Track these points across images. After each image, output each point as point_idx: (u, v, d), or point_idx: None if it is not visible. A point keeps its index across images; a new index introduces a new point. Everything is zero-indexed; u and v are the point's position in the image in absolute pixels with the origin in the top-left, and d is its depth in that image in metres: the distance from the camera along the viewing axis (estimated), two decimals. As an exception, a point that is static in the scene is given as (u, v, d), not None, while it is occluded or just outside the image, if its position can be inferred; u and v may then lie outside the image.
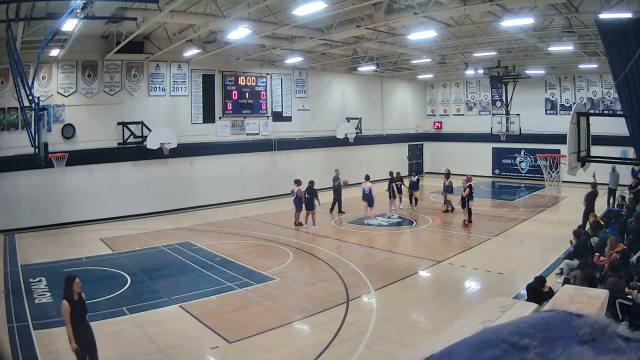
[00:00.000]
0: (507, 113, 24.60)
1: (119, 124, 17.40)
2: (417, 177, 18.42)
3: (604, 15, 10.65)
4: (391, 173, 17.55)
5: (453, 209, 16.88)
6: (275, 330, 7.55)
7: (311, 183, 15.56)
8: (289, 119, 22.73)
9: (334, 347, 6.90)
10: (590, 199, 13.48)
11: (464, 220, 15.09)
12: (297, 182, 15.36)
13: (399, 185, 17.22)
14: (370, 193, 15.79)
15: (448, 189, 17.15)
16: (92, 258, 12.04)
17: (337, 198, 17.58)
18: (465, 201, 14.95)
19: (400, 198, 17.36)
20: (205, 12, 12.96)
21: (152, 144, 17.48)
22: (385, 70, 24.72)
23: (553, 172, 20.75)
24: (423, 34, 14.80)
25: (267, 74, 21.69)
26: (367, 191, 15.81)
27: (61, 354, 6.84)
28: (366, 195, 15.85)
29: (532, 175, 25.11)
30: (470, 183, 15.23)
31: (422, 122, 30.16)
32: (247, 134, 21.13)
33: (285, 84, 22.57)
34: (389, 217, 16.45)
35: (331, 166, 19.39)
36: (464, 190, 14.92)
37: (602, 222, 11.54)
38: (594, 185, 14.09)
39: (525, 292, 7.73)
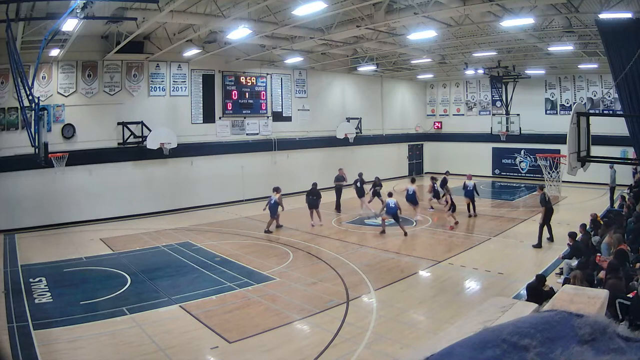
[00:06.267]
0: (507, 113, 24.61)
1: (119, 124, 17.39)
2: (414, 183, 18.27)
3: (604, 15, 10.64)
4: (377, 178, 17.76)
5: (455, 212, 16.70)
6: (275, 330, 7.55)
7: (314, 185, 15.84)
8: (289, 119, 22.72)
9: (334, 347, 6.90)
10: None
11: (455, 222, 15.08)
12: (277, 190, 14.82)
13: (377, 190, 17.33)
14: (414, 194, 15.90)
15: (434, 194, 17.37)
16: (92, 258, 12.03)
17: (338, 197, 17.84)
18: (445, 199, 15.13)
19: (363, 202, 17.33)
20: (205, 12, 12.97)
21: (152, 144, 17.48)
22: (385, 70, 24.71)
23: (553, 172, 20.75)
24: (423, 34, 14.79)
25: (267, 74, 21.68)
26: (410, 192, 15.91)
27: (61, 353, 6.85)
28: (410, 196, 15.91)
29: (532, 175, 25.11)
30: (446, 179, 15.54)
31: (422, 122, 30.16)
32: (247, 134, 21.13)
33: (285, 84, 22.57)
34: (371, 217, 16.35)
35: (331, 166, 19.41)
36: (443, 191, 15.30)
37: (602, 222, 11.56)
38: (542, 187, 13.44)
39: (525, 292, 7.74)
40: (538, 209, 17.71)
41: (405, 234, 13.97)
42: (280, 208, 14.57)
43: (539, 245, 12.32)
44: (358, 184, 17.24)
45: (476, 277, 10.35)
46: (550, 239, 12.67)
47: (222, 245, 13.20)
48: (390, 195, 14.65)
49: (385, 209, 14.25)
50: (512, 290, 9.07)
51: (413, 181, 16.80)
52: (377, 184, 17.51)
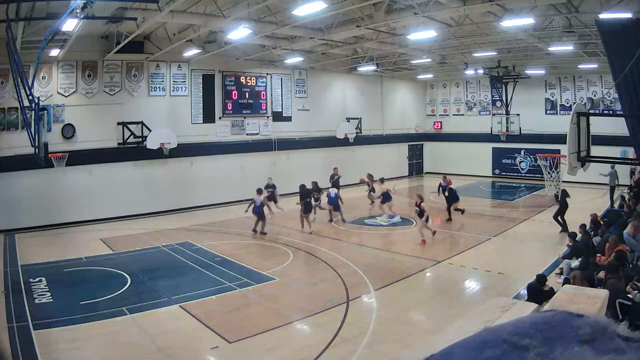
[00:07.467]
0: (507, 113, 24.61)
1: (119, 124, 17.40)
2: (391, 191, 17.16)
3: (604, 15, 10.65)
4: (314, 183, 15.96)
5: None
6: (275, 330, 7.55)
7: (302, 186, 15.13)
8: (289, 119, 22.72)
9: (334, 347, 6.90)
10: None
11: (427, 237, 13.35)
12: (259, 191, 14.68)
13: (316, 197, 15.85)
14: (336, 197, 15.74)
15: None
16: (92, 258, 12.03)
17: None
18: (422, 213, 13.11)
19: (315, 210, 15.88)
20: (205, 12, 12.97)
21: (152, 144, 17.49)
22: (385, 70, 24.71)
23: (553, 172, 20.73)
24: (423, 34, 14.80)
25: (267, 74, 21.68)
26: (332, 195, 15.80)
27: (61, 353, 6.85)
28: (332, 200, 15.71)
29: (532, 175, 25.11)
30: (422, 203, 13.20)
31: (422, 122, 30.16)
32: (247, 134, 21.14)
33: (285, 84, 22.57)
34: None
35: (331, 166, 19.41)
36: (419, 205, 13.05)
37: (602, 222, 11.56)
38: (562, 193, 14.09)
39: (526, 292, 7.74)
40: (539, 208, 17.87)
41: (314, 219, 15.39)
42: (266, 208, 14.68)
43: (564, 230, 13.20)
44: (268, 191, 15.85)
45: (476, 277, 10.35)
46: (564, 230, 13.31)
47: (222, 245, 13.20)
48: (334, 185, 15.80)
49: (327, 199, 15.83)
50: (512, 290, 9.07)
51: (382, 181, 16.64)
52: (312, 190, 15.80)
